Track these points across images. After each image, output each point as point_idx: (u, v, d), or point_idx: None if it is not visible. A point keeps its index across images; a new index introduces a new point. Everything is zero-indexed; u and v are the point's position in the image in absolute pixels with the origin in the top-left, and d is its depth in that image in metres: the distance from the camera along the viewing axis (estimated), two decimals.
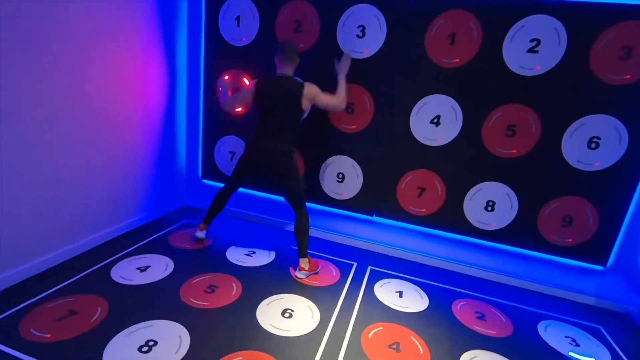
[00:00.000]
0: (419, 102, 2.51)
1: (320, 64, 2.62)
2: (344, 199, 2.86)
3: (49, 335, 1.63)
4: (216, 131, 3.07)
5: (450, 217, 2.63)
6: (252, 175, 2.55)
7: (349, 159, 2.77)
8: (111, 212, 2.56)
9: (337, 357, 1.71)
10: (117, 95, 2.43)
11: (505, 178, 2.46)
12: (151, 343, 1.66)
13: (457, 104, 2.44)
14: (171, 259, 2.40)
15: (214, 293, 2.09)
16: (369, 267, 2.63)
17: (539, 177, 2.38)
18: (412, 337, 1.93)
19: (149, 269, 2.26)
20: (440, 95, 2.46)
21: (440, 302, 2.30)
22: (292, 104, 2.21)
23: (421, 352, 1.83)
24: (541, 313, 2.32)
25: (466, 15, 2.28)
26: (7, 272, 1.92)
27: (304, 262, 2.37)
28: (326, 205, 2.93)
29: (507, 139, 2.38)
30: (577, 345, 2.05)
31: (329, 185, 2.87)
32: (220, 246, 2.67)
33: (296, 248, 2.40)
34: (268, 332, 1.83)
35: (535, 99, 2.28)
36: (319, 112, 2.72)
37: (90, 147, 2.30)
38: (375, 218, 2.85)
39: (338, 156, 2.79)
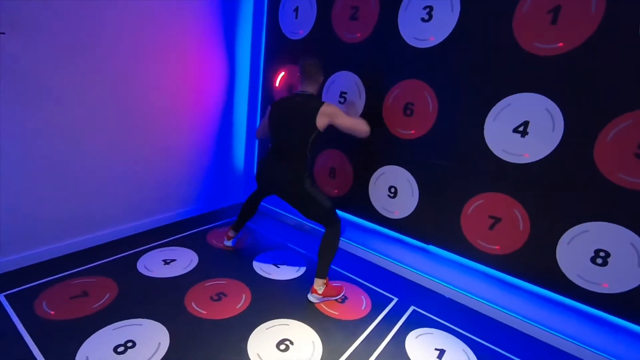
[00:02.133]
0: (499, 103, 1.88)
1: (377, 55, 2.22)
2: (395, 217, 2.38)
3: (52, 313, 1.70)
4: None
5: (535, 263, 1.91)
6: (269, 194, 2.34)
7: (404, 170, 2.28)
8: (164, 200, 2.68)
9: None
10: (178, 92, 2.51)
11: (629, 220, 1.63)
12: (129, 344, 1.57)
13: (557, 107, 1.72)
14: (198, 255, 2.35)
15: (219, 302, 1.93)
16: (412, 307, 2.10)
17: None
18: None
19: (173, 262, 2.24)
20: (531, 94, 1.78)
21: None
22: (305, 120, 1.89)
23: None
24: None
25: None
26: (57, 243, 2.12)
27: (318, 284, 2.01)
28: (374, 222, 2.49)
29: (639, 161, 1.57)
30: None
31: (379, 199, 2.43)
32: (252, 250, 2.51)
33: (335, 268, 2.06)
34: None
35: None
36: (370, 112, 2.32)
37: (148, 141, 2.42)
38: (431, 247, 2.28)
39: (391, 166, 2.33)
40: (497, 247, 2.02)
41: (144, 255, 2.28)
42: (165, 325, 1.70)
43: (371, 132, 2.04)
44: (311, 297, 2.02)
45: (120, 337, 1.60)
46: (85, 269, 2.07)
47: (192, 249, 2.42)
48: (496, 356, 1.80)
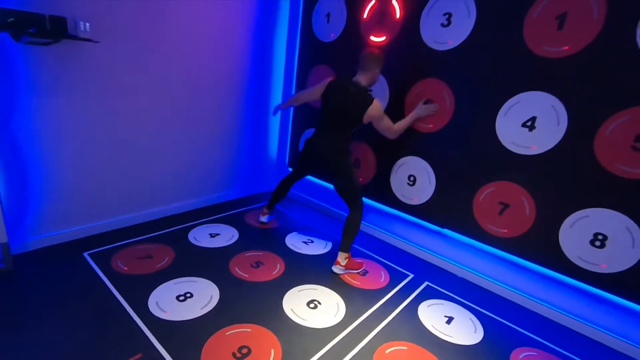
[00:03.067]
0: (510, 100, 2.09)
1: (401, 56, 2.47)
2: (414, 204, 2.63)
3: (126, 268, 2.09)
4: (303, 123, 3.26)
5: (539, 245, 2.11)
6: (308, 170, 2.64)
7: (423, 161, 2.52)
8: (209, 184, 3.06)
9: None
10: (224, 89, 2.87)
11: (625, 207, 1.81)
12: (188, 295, 1.93)
13: (561, 104, 1.92)
14: (238, 232, 2.70)
15: (258, 269, 2.26)
16: (426, 283, 2.36)
17: None
18: None
19: (217, 236, 2.60)
20: (538, 92, 1.98)
21: (498, 342, 1.89)
22: (354, 115, 2.18)
23: None
24: None
25: None
26: (127, 215, 2.53)
27: (341, 257, 2.30)
28: (394, 207, 2.75)
29: (635, 153, 1.75)
30: None
31: (399, 187, 2.68)
32: (284, 230, 2.84)
33: (356, 247, 2.35)
34: (286, 315, 1.88)
35: None
36: (393, 108, 2.58)
37: (198, 128, 2.79)
38: (446, 231, 2.52)
39: (411, 157, 2.58)
40: (505, 230, 2.23)
41: (193, 229, 2.65)
42: (215, 283, 2.05)
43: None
44: (335, 269, 2.31)
45: (180, 289, 1.96)
46: (147, 237, 2.46)
47: (233, 226, 2.78)
48: (499, 325, 2.02)
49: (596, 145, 1.85)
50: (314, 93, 2.39)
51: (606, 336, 1.97)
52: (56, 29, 1.86)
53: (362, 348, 1.72)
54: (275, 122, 3.47)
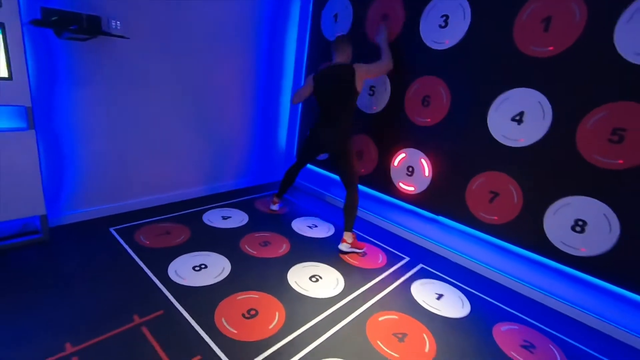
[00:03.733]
0: (500, 96, 2.26)
1: (401, 54, 2.66)
2: (412, 193, 2.82)
3: (148, 242, 2.33)
4: (310, 116, 3.47)
5: (525, 231, 2.28)
6: (313, 157, 2.84)
7: (420, 152, 2.71)
8: (223, 173, 3.30)
9: (336, 325, 1.83)
10: (238, 82, 3.10)
11: (603, 194, 1.97)
12: (203, 266, 2.15)
13: (547, 100, 2.09)
14: (248, 215, 2.92)
15: (266, 247, 2.48)
16: (420, 265, 2.54)
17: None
18: (424, 335, 1.85)
19: (229, 219, 2.83)
20: (526, 89, 2.15)
21: (482, 316, 2.07)
22: (346, 88, 2.37)
23: (426, 350, 1.75)
24: None
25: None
26: (149, 197, 2.78)
27: (348, 236, 2.51)
28: (392, 196, 2.94)
29: (612, 145, 1.91)
30: None
31: (398, 177, 2.87)
32: (290, 216, 3.05)
33: (358, 233, 2.56)
34: (290, 286, 2.09)
35: None
36: (394, 103, 2.77)
37: (214, 121, 3.03)
38: (440, 218, 2.70)
39: (410, 149, 2.77)
40: (495, 217, 2.40)
41: (207, 212, 2.88)
42: (227, 257, 2.27)
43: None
44: (342, 246, 2.52)
45: (196, 261, 2.19)
46: (166, 217, 2.70)
47: (244, 211, 3.00)
48: (485, 302, 2.20)
49: (578, 137, 2.02)
50: (307, 89, 2.60)
51: (583, 314, 2.13)
52: (92, 27, 2.11)
53: (357, 316, 1.92)
54: (284, 115, 3.69)
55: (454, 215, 2.61)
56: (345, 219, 2.52)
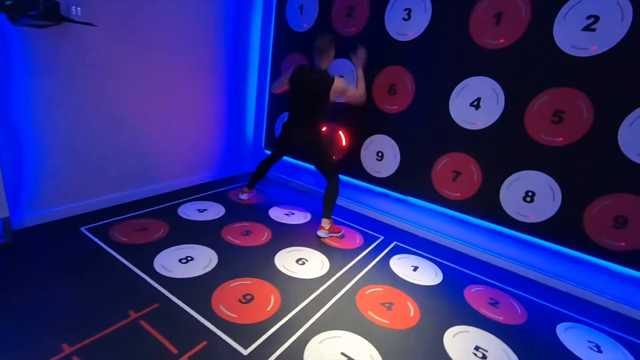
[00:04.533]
0: (460, 84, 2.50)
1: (367, 46, 2.80)
2: (382, 177, 3.00)
3: (125, 239, 2.25)
4: (277, 108, 3.50)
5: (485, 205, 2.56)
6: (286, 151, 2.91)
7: (389, 138, 2.89)
8: (192, 166, 3.22)
9: (329, 301, 1.94)
10: (204, 74, 3.03)
11: (547, 167, 2.29)
12: (189, 258, 2.14)
13: (499, 86, 2.36)
14: (224, 207, 2.92)
15: (248, 236, 2.51)
16: (395, 242, 2.74)
17: (589, 169, 2.16)
18: (408, 302, 2.03)
19: (205, 211, 2.80)
20: (482, 77, 2.41)
21: (454, 282, 2.31)
22: (321, 97, 2.48)
23: (411, 315, 1.93)
24: (568, 314, 2.14)
25: None
26: (118, 194, 2.65)
27: (325, 223, 2.62)
28: (364, 181, 3.11)
29: (553, 125, 2.22)
30: (600, 351, 1.87)
31: (369, 162, 3.04)
32: (265, 205, 3.09)
33: (335, 218, 2.68)
34: (279, 270, 2.16)
35: (590, 83, 2.08)
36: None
37: (182, 114, 2.94)
38: (409, 198, 2.92)
39: (379, 135, 2.94)
40: (458, 194, 2.66)
41: (182, 206, 2.83)
42: (211, 248, 2.28)
43: (363, 106, 2.66)
44: (320, 233, 2.63)
45: (181, 254, 2.17)
46: (140, 213, 2.61)
47: (219, 203, 2.98)
48: (454, 270, 2.45)
49: (526, 119, 2.31)
50: (284, 82, 2.66)
51: (534, 272, 2.47)
52: (51, 12, 1.96)
53: (346, 292, 2.05)
54: (251, 107, 3.68)
55: (421, 195, 2.84)
56: (324, 207, 2.63)
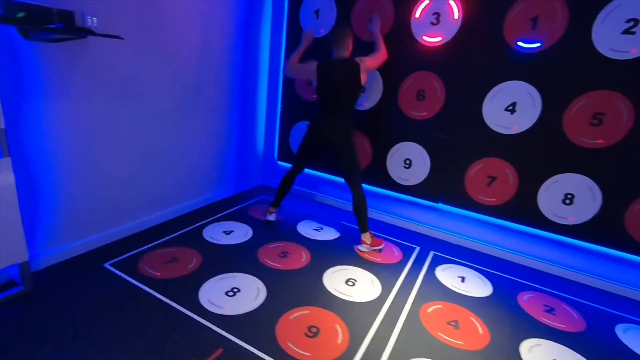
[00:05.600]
0: (494, 88, 2.47)
1: (393, 51, 2.71)
2: (410, 184, 2.93)
3: (159, 274, 2.02)
4: (292, 117, 3.35)
5: (522, 209, 2.55)
6: (314, 154, 2.69)
7: (417, 145, 2.82)
8: (206, 184, 2.99)
9: (396, 324, 1.84)
10: (212, 88, 2.82)
11: (587, 170, 2.30)
12: (235, 290, 1.96)
13: (536, 90, 2.34)
14: (250, 227, 2.73)
15: (286, 258, 2.35)
16: (432, 252, 2.68)
17: (630, 170, 2.19)
18: (471, 318, 1.96)
19: (232, 233, 2.60)
20: (517, 81, 2.38)
21: (504, 291, 2.27)
22: (353, 82, 2.37)
23: (480, 332, 1.86)
24: (622, 316, 2.15)
25: None
26: (135, 221, 2.39)
27: (365, 237, 2.51)
28: (391, 190, 3.02)
29: (593, 127, 2.23)
30: None
31: (395, 170, 2.96)
32: (291, 221, 2.93)
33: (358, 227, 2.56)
34: (333, 294, 2.02)
35: (631, 86, 2.10)
36: (388, 98, 2.82)
37: (194, 130, 2.72)
38: (440, 205, 2.86)
39: (406, 142, 2.86)
40: (493, 199, 2.64)
41: (205, 229, 2.61)
42: (254, 276, 2.10)
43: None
44: (362, 248, 2.51)
45: (225, 285, 1.98)
46: (164, 241, 2.38)
47: (242, 222, 2.79)
48: (499, 279, 2.42)
49: (564, 122, 2.31)
50: (306, 73, 2.52)
51: (577, 274, 2.49)
52: (72, 25, 1.72)
53: (409, 313, 1.95)
54: (261, 118, 3.50)
55: (454, 201, 2.79)
56: (358, 221, 2.52)
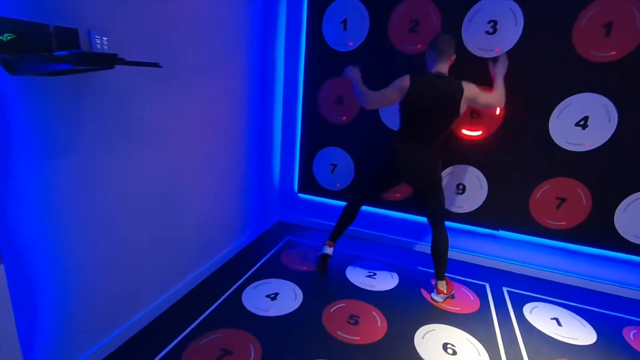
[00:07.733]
0: (562, 102, 2.22)
1: None
2: (464, 212, 2.61)
3: None
4: (315, 142, 2.90)
5: (597, 231, 2.32)
6: (393, 185, 2.37)
7: (473, 168, 2.51)
8: (224, 234, 2.43)
9: None
10: (228, 121, 2.30)
11: None
12: None
13: (611, 103, 2.13)
14: (295, 283, 2.23)
15: (359, 325, 1.90)
16: (504, 288, 2.36)
17: None
18: None
19: (278, 296, 2.10)
20: (589, 94, 2.16)
21: (607, 330, 2.00)
22: (451, 109, 1.96)
23: None
24: None
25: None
26: (154, 302, 1.80)
27: (442, 285, 2.15)
28: None
29: None
30: None
31: (447, 197, 2.61)
32: (336, 267, 2.48)
33: (424, 269, 2.23)
34: None
35: None
36: None
37: (210, 173, 2.17)
38: (500, 232, 2.57)
39: (459, 166, 2.54)
40: (563, 222, 2.39)
41: (244, 294, 2.08)
42: None
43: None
44: (438, 297, 2.13)
45: None
46: (199, 323, 1.81)
47: (282, 278, 2.28)
48: (594, 314, 2.15)
49: None
50: (388, 97, 2.05)
51: None
52: (70, 46, 1.17)
53: None
54: (276, 146, 3.01)
55: (516, 227, 2.51)
56: (437, 266, 2.15)
